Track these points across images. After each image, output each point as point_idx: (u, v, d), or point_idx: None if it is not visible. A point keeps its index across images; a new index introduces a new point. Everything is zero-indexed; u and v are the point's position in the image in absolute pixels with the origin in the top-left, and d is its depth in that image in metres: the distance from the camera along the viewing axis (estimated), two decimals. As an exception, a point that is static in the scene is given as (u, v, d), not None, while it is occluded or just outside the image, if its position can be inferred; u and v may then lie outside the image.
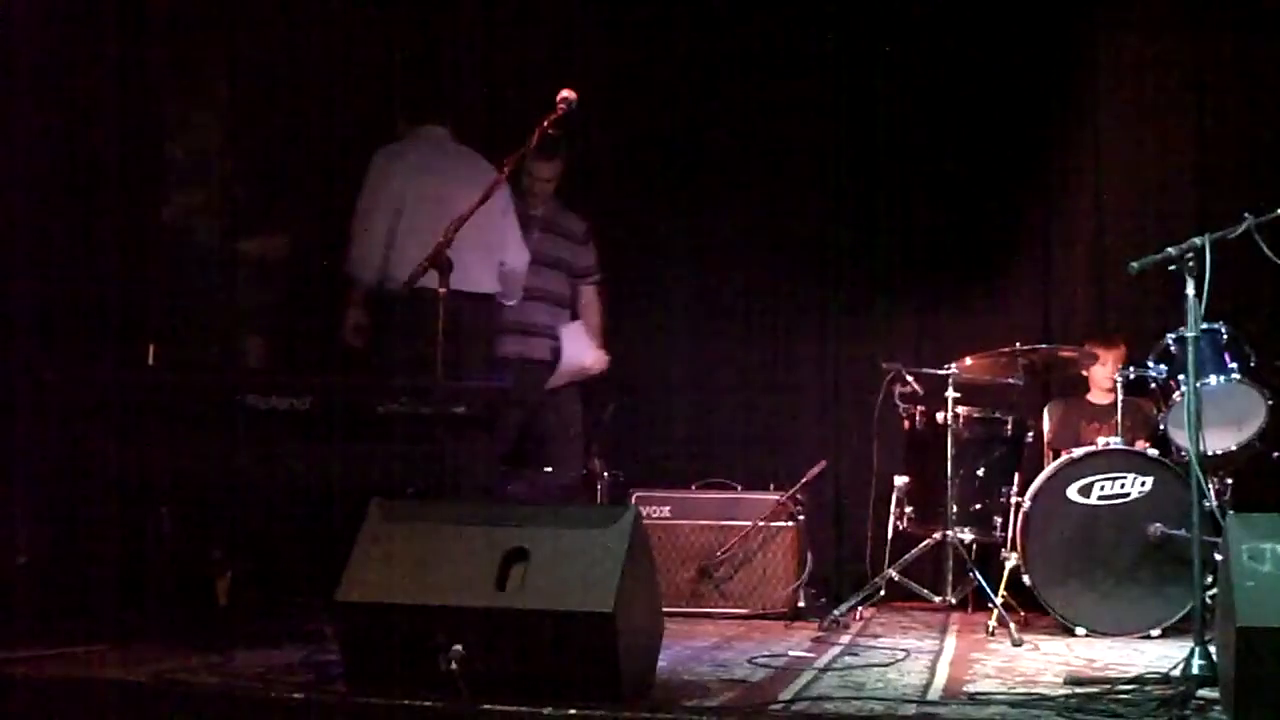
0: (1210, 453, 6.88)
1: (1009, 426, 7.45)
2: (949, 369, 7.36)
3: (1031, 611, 7.16)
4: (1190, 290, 5.33)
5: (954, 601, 7.38)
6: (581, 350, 7.84)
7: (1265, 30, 8.37)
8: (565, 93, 5.77)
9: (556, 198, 7.84)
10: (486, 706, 4.39)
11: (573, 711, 4.38)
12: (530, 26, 8.72)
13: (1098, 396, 8.04)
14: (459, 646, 4.43)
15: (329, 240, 7.30)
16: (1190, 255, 5.30)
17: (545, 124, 5.66)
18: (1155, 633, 6.77)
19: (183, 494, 5.97)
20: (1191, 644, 5.11)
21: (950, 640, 6.68)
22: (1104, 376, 7.87)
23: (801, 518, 7.76)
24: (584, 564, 4.55)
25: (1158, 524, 6.83)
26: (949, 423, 7.25)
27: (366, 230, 6.73)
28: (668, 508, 7.72)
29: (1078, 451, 7.17)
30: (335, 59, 8.11)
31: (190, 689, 4.77)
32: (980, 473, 7.33)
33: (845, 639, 6.68)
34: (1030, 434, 7.63)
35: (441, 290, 5.43)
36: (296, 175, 7.98)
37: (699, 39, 8.87)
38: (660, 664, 5.18)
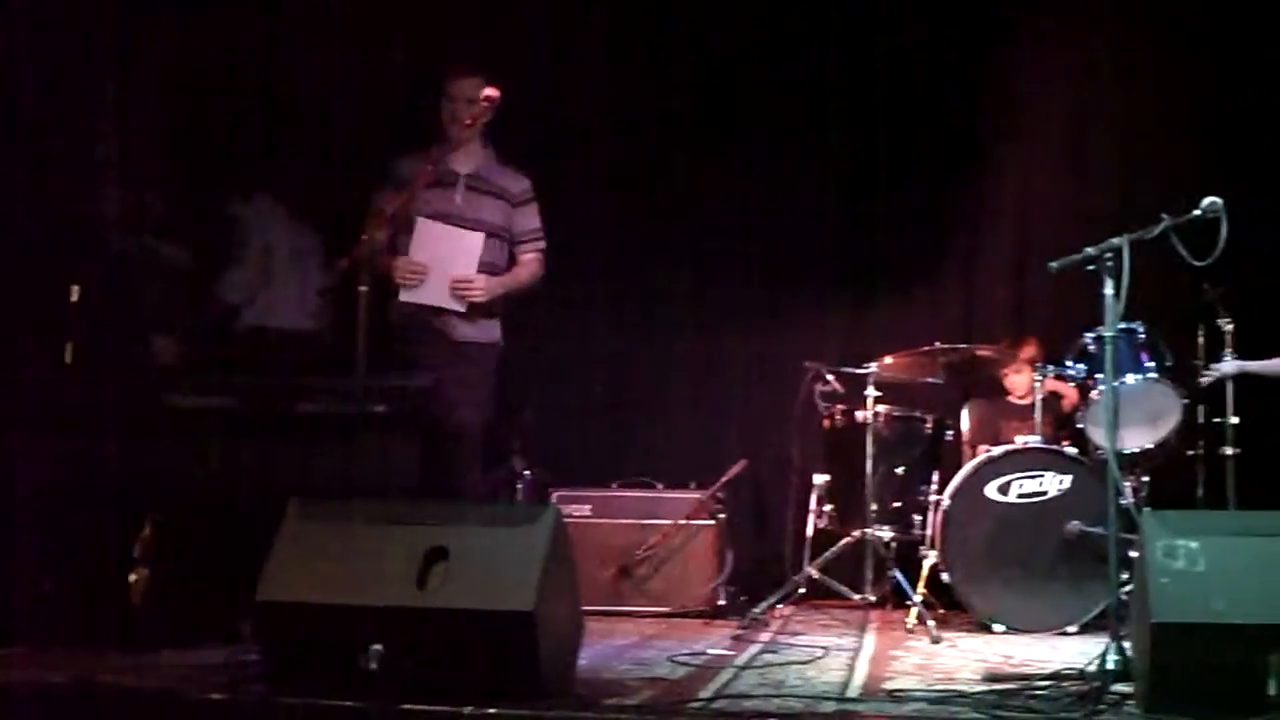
0: (1127, 451, 6.97)
1: (928, 425, 7.50)
2: (869, 368, 7.40)
3: (950, 609, 7.20)
4: (1109, 290, 5.38)
5: (873, 599, 7.41)
6: (445, 254, 6.45)
7: (1185, 34, 8.46)
8: (488, 90, 5.75)
9: (490, 148, 6.67)
10: (407, 706, 4.37)
11: (493, 710, 4.36)
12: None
13: (1016, 395, 8.10)
14: (379, 646, 4.42)
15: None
16: (1109, 255, 5.35)
17: (469, 121, 5.62)
18: (1072, 629, 6.82)
19: (101, 492, 5.91)
20: (1107, 640, 5.16)
21: (869, 638, 6.71)
22: (1022, 375, 7.92)
23: (722, 516, 7.78)
24: (505, 563, 4.54)
25: (1075, 521, 6.89)
26: (869, 421, 7.29)
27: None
28: (588, 506, 7.71)
29: (996, 450, 7.23)
30: (251, 74, 8.06)
31: (109, 691, 4.73)
32: (900, 471, 7.37)
33: (765, 637, 6.70)
34: (949, 432, 7.68)
35: (363, 288, 5.37)
36: (209, 182, 7.90)
37: (633, 28, 8.84)
38: (581, 662, 5.18)
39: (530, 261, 6.71)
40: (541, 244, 6.72)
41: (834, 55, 8.83)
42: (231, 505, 5.83)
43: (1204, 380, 7.21)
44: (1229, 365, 7.21)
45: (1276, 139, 8.15)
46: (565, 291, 8.03)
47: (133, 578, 5.95)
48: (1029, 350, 7.92)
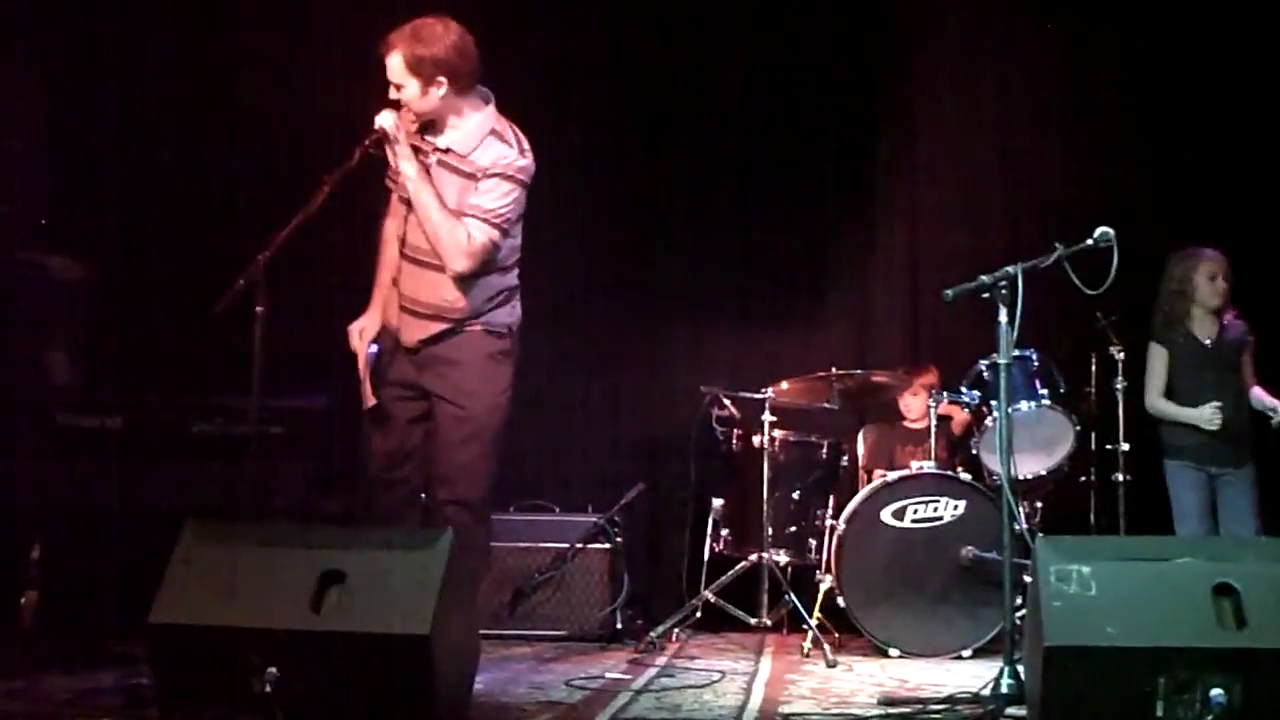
0: (1021, 476, 7.05)
1: (824, 450, 7.54)
2: (766, 393, 7.42)
3: (846, 633, 7.23)
4: (1003, 318, 5.45)
5: (770, 623, 7.41)
6: None
7: (1074, 66, 8.59)
8: (386, 114, 5.64)
9: (491, 112, 5.76)
10: (301, 730, 4.34)
11: (389, 734, 4.34)
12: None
13: (911, 421, 8.14)
14: (273, 669, 4.37)
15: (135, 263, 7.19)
16: (1003, 283, 5.42)
17: (366, 143, 5.55)
18: (966, 653, 6.88)
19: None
20: (1001, 664, 5.22)
21: (766, 661, 6.73)
22: (918, 402, 7.97)
23: (619, 540, 7.77)
24: (401, 586, 4.50)
25: (970, 547, 6.95)
26: (765, 446, 7.31)
27: None
28: (487, 530, 7.68)
29: (891, 475, 7.27)
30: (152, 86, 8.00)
31: (-3, 715, 4.66)
32: (796, 496, 7.40)
33: (662, 661, 6.70)
34: (845, 458, 7.71)
35: (259, 309, 5.29)
36: (105, 197, 7.82)
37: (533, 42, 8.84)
38: (477, 687, 5.15)
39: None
40: (488, 227, 5.58)
41: (728, 84, 8.87)
42: (124, 526, 5.75)
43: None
44: None
45: (1168, 171, 8.28)
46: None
47: (22, 600, 5.87)
48: (929, 377, 7.96)
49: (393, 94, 5.58)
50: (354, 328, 5.72)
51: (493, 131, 5.68)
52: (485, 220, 5.58)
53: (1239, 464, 6.94)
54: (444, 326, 5.63)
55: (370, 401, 5.63)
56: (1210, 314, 7.05)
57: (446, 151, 5.64)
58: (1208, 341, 7.04)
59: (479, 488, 5.68)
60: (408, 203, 5.64)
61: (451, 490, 5.59)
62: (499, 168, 5.61)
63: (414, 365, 5.65)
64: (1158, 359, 7.14)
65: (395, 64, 5.55)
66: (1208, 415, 6.95)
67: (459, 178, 5.62)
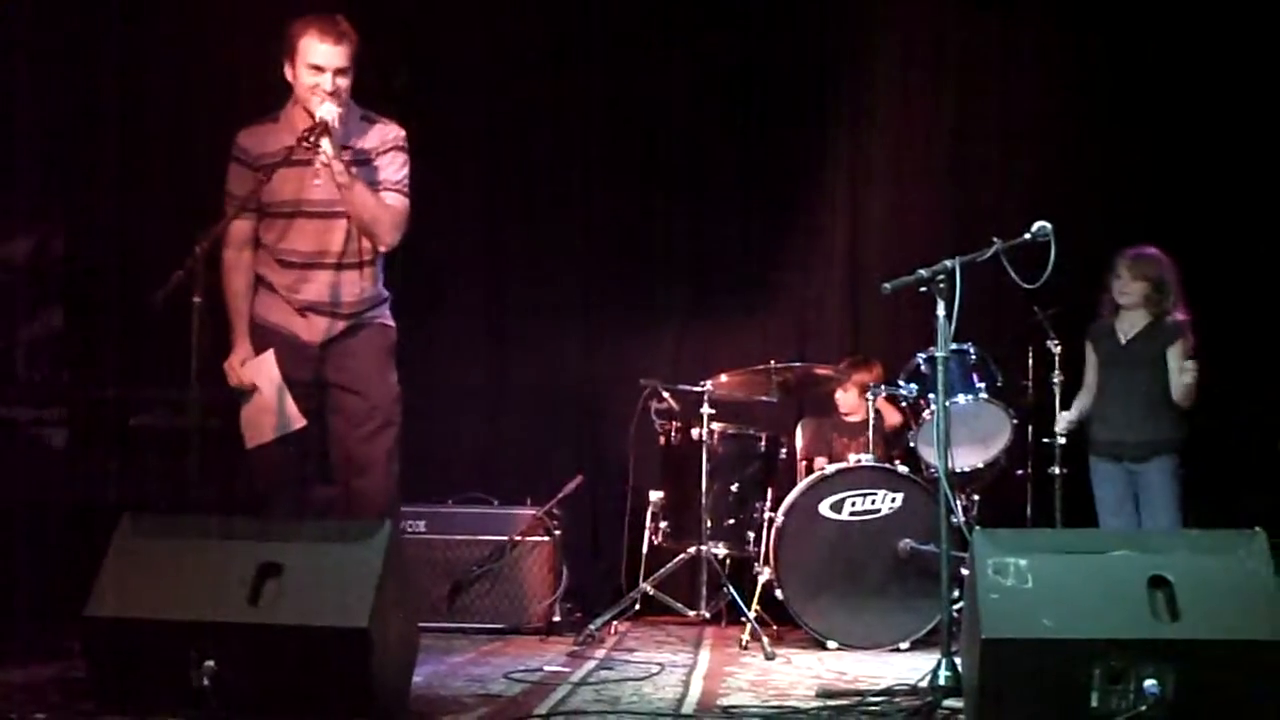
0: (958, 469, 7.10)
1: (763, 443, 7.55)
2: (705, 386, 7.43)
3: (784, 625, 7.25)
4: (941, 311, 5.47)
5: (708, 616, 7.43)
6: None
7: (1020, 64, 8.65)
8: (328, 105, 5.57)
9: (351, 102, 5.74)
10: (239, 723, 4.32)
11: (327, 728, 4.33)
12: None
13: (850, 414, 8.17)
14: (211, 662, 4.35)
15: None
16: (941, 277, 5.44)
17: (305, 133, 5.50)
18: (904, 645, 6.91)
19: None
20: (939, 656, 5.25)
21: (704, 654, 6.73)
22: (856, 394, 7.99)
23: (558, 532, 7.75)
24: (339, 579, 4.49)
25: (907, 539, 6.98)
26: (704, 439, 7.32)
27: None
28: (423, 522, 7.65)
29: (830, 468, 7.29)
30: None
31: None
32: (734, 488, 7.41)
33: (600, 653, 6.70)
34: (784, 450, 7.74)
35: (197, 300, 5.24)
36: (41, 178, 7.76)
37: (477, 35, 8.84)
38: (416, 680, 5.14)
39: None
40: (403, 196, 5.79)
41: (673, 78, 8.89)
42: (61, 519, 5.71)
43: None
44: None
45: (1110, 168, 8.34)
46: (400, 309, 7.95)
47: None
48: (866, 375, 7.97)
49: (332, 83, 5.57)
50: (232, 364, 5.73)
51: (363, 117, 5.84)
52: (399, 191, 5.81)
53: (1150, 458, 6.95)
54: (351, 322, 5.81)
55: (301, 421, 5.69)
56: (1136, 313, 7.07)
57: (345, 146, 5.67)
58: (1124, 339, 7.08)
59: (392, 475, 5.82)
60: (293, 215, 5.71)
61: (368, 478, 5.71)
62: (389, 143, 5.83)
63: (315, 361, 5.76)
64: (1087, 353, 7.22)
65: (347, 53, 5.61)
66: (1061, 425, 7.19)
67: (355, 168, 5.66)
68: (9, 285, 7.62)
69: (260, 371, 5.68)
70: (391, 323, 5.98)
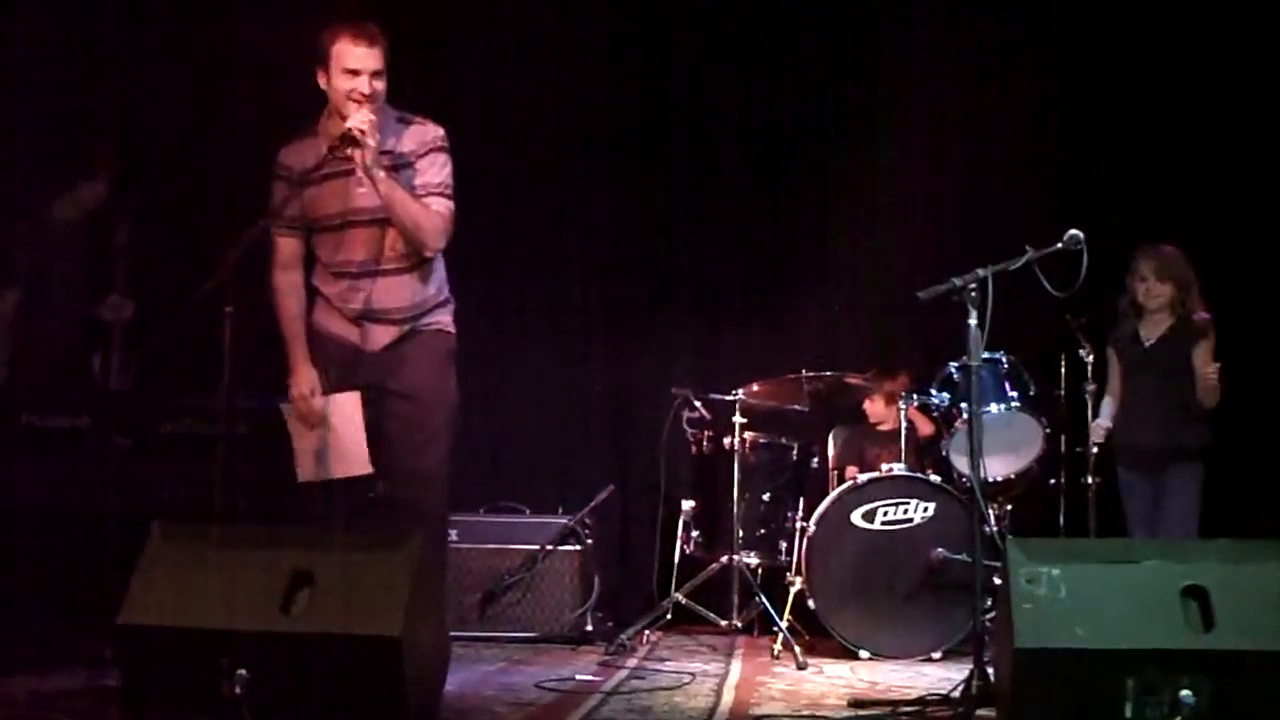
0: (991, 479, 7.08)
1: (794, 452, 7.54)
2: (736, 395, 7.42)
3: (816, 635, 7.22)
4: (973, 320, 5.44)
5: (740, 625, 7.41)
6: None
7: (1044, 66, 8.61)
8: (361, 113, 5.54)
9: (387, 106, 5.64)
10: (270, 732, 4.33)
11: (359, 737, 4.33)
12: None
13: (880, 423, 8.15)
14: (243, 670, 4.35)
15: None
16: (973, 285, 5.41)
17: (342, 142, 5.46)
18: (936, 655, 6.88)
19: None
20: (971, 666, 5.23)
21: (736, 664, 6.72)
22: (884, 403, 7.97)
23: (589, 541, 7.76)
24: (371, 588, 4.49)
25: (939, 549, 6.95)
26: (735, 448, 7.31)
27: None
28: (455, 531, 7.61)
29: (861, 477, 7.27)
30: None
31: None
32: (766, 497, 7.40)
33: (632, 663, 6.69)
34: (815, 459, 7.72)
35: (229, 309, 5.24)
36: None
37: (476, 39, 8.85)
38: (447, 688, 5.14)
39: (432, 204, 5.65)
40: (446, 200, 5.67)
41: (695, 86, 8.90)
42: (93, 527, 5.71)
43: None
44: None
45: (1137, 173, 8.31)
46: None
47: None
48: (896, 384, 7.95)
49: (369, 86, 5.47)
50: (304, 395, 5.57)
51: (399, 119, 5.69)
52: (441, 195, 5.64)
53: (1175, 465, 6.90)
54: (407, 328, 5.70)
55: (369, 469, 5.57)
56: (1158, 314, 7.03)
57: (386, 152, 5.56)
58: (1148, 343, 7.04)
59: (443, 484, 5.71)
60: (343, 226, 5.60)
61: (418, 487, 5.58)
62: (428, 144, 5.66)
63: (373, 369, 5.64)
64: (1110, 359, 7.18)
65: (380, 55, 5.51)
66: (1098, 435, 7.13)
67: (395, 174, 5.53)
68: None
69: (342, 412, 5.56)
70: (452, 328, 5.86)
